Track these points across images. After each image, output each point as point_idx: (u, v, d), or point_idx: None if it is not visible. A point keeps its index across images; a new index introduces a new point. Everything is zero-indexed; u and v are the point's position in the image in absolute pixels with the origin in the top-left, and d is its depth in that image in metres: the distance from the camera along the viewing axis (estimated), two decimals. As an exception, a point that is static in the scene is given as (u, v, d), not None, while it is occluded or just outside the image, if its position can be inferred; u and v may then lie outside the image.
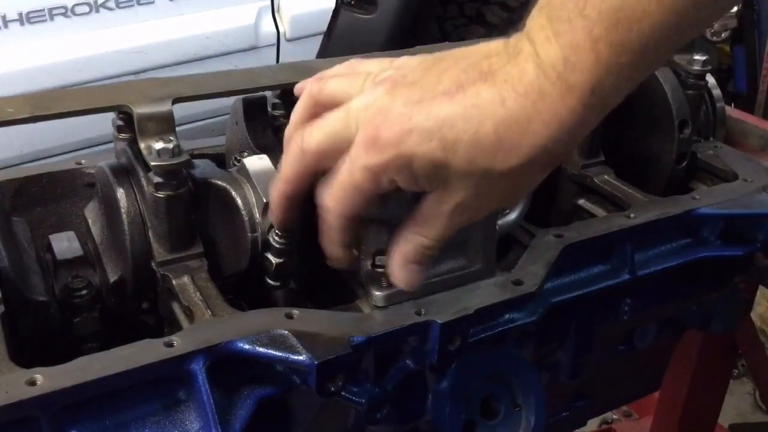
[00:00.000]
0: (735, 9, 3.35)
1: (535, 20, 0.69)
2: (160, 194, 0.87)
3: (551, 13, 0.68)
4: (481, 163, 0.70)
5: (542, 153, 0.70)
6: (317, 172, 0.79)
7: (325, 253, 0.82)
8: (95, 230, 0.95)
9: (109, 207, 0.92)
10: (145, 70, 2.89)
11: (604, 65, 0.66)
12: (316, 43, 3.06)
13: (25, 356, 0.76)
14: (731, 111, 1.40)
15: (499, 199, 0.77)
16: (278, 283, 0.90)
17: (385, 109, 0.71)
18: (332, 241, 0.80)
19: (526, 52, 0.69)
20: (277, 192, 0.82)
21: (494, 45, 0.72)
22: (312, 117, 0.79)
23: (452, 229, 0.76)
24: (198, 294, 0.85)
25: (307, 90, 0.82)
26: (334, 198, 0.75)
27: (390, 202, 0.80)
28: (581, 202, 1.23)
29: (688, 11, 0.66)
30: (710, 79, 1.28)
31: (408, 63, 0.76)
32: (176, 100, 0.94)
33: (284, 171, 0.80)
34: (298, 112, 0.82)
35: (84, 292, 0.91)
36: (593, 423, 2.33)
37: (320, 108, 0.79)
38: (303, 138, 0.77)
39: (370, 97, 0.73)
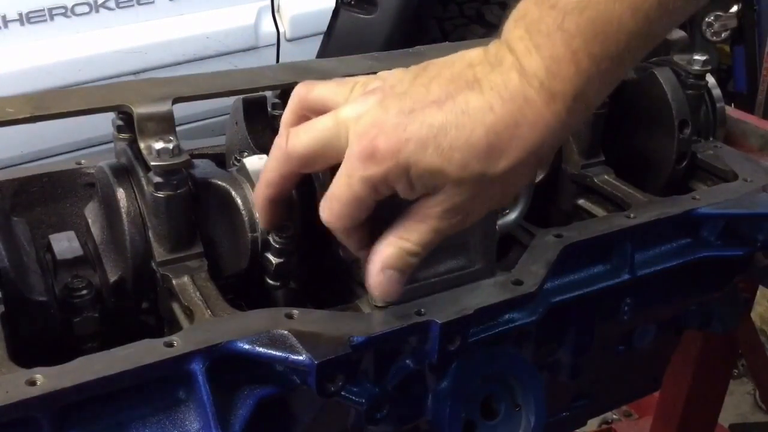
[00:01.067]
0: (735, 9, 3.35)
1: (514, 32, 0.71)
2: (160, 194, 0.87)
3: (530, 26, 0.70)
4: (475, 168, 0.71)
5: (531, 154, 0.72)
6: (301, 174, 0.80)
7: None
8: (95, 230, 0.95)
9: (109, 207, 0.92)
10: (145, 70, 2.89)
11: (584, 74, 0.69)
12: (316, 43, 3.06)
13: (25, 356, 0.76)
14: (731, 111, 1.40)
15: (490, 202, 0.77)
16: (278, 283, 0.90)
17: (378, 120, 0.72)
18: (353, 249, 0.81)
19: (508, 61, 0.71)
20: (261, 196, 0.83)
21: (474, 54, 0.74)
22: (300, 121, 0.80)
23: (438, 235, 0.76)
24: (198, 294, 0.85)
25: (294, 93, 0.82)
26: (336, 214, 0.76)
27: (387, 202, 0.80)
28: (581, 202, 1.23)
29: (660, 17, 0.68)
30: (710, 79, 1.28)
31: (393, 74, 0.77)
32: (176, 100, 0.94)
33: (267, 174, 0.80)
34: (286, 116, 0.83)
35: (84, 292, 0.91)
36: (593, 423, 2.33)
37: (307, 112, 0.80)
38: (289, 141, 0.77)
39: (361, 107, 0.74)
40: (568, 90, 0.69)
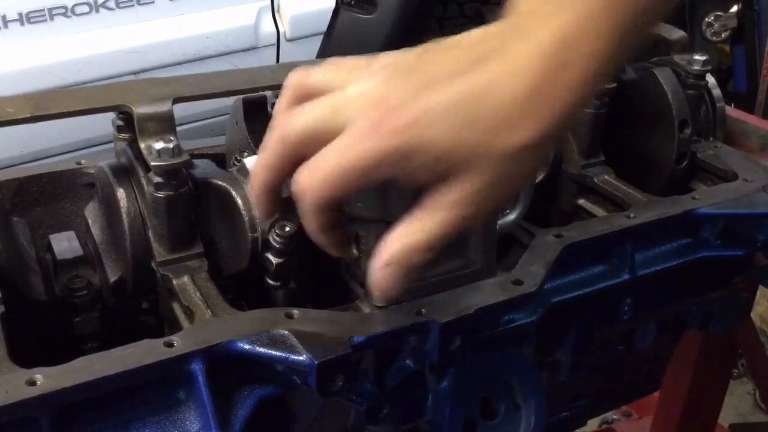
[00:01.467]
0: (735, 9, 3.35)
1: (527, 3, 0.70)
2: (160, 194, 0.87)
3: None
4: (490, 142, 0.67)
5: (563, 120, 0.69)
6: (298, 160, 0.74)
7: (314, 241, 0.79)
8: (95, 230, 0.95)
9: (109, 207, 0.92)
10: (145, 70, 2.89)
11: (605, 38, 0.67)
12: (316, 43, 3.06)
13: (25, 356, 0.76)
14: (731, 111, 1.40)
15: (504, 189, 0.72)
16: (278, 283, 0.90)
17: (386, 96, 0.68)
18: (311, 227, 0.76)
19: (527, 29, 0.68)
20: (258, 182, 0.78)
21: (484, 30, 0.71)
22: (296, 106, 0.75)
23: (449, 230, 0.71)
24: (198, 294, 0.85)
25: (290, 79, 0.78)
26: (316, 179, 0.70)
27: (391, 202, 0.80)
28: (581, 202, 1.23)
29: None
30: (710, 79, 1.28)
31: (395, 54, 0.73)
32: (176, 100, 0.94)
33: (264, 158, 0.76)
34: (281, 101, 0.77)
35: (84, 292, 0.91)
36: (593, 423, 2.33)
37: (304, 98, 0.75)
38: (285, 123, 0.73)
39: (365, 85, 0.70)
40: (592, 54, 0.67)
